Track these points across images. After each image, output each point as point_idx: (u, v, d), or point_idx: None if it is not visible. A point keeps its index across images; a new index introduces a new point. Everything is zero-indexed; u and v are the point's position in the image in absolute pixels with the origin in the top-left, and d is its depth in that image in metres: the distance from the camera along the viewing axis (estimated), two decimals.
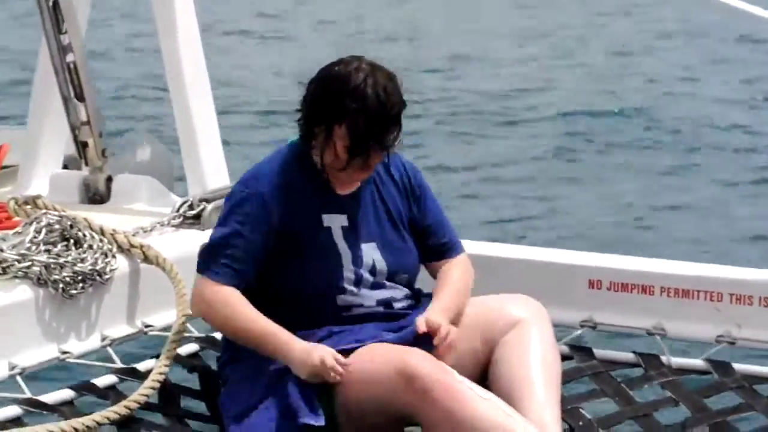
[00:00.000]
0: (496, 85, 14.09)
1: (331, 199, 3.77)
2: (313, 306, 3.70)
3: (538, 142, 11.95)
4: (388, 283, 3.80)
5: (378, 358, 3.52)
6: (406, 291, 3.84)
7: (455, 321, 3.71)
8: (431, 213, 3.92)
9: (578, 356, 4.21)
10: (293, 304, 3.70)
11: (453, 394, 3.39)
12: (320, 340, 3.60)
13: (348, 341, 3.61)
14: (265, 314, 3.63)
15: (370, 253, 3.78)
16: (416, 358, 3.47)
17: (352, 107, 3.61)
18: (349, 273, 3.73)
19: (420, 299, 3.86)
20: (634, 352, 4.22)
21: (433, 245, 3.91)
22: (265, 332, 3.60)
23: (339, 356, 3.51)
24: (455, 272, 3.88)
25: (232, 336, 3.70)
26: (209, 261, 3.72)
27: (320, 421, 3.48)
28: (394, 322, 3.74)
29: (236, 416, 3.63)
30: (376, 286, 3.77)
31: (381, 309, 3.76)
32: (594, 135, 12.15)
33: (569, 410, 3.84)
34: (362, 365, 3.52)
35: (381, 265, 3.78)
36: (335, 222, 3.77)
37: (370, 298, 3.76)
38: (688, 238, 9.14)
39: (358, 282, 3.74)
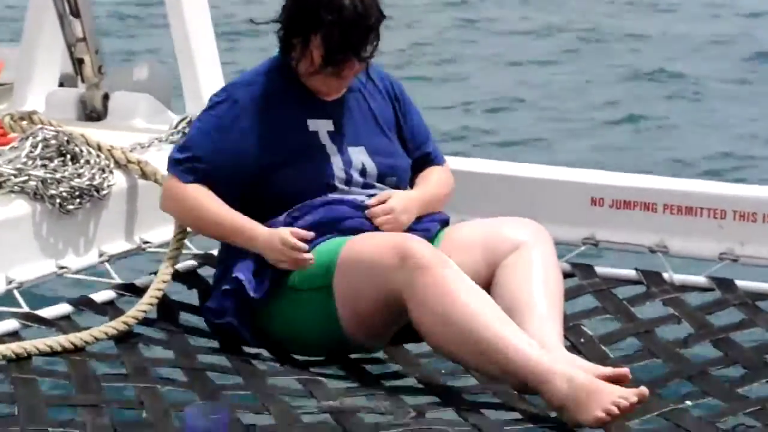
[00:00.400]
0: None
1: (316, 105, 3.83)
2: None
3: None
4: (378, 185, 3.84)
5: (379, 238, 3.59)
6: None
7: (427, 210, 3.83)
8: (414, 123, 4.00)
9: (580, 274, 4.21)
10: (288, 207, 3.72)
11: (446, 279, 3.41)
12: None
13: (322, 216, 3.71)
14: (262, 220, 3.68)
15: (359, 156, 3.83)
16: (415, 241, 3.52)
17: (327, 18, 3.66)
18: (339, 172, 3.79)
19: None
20: (636, 269, 4.22)
21: (416, 156, 3.97)
22: (233, 225, 3.70)
23: (300, 231, 3.60)
24: (433, 175, 3.97)
25: (201, 231, 3.83)
26: (177, 160, 3.80)
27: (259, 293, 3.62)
28: None
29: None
30: (366, 186, 3.82)
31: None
32: None
33: (571, 327, 3.83)
34: (363, 244, 3.58)
35: (371, 167, 3.83)
36: (321, 126, 3.82)
37: (359, 196, 3.79)
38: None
39: (348, 181, 3.80)
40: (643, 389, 3.16)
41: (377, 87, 3.95)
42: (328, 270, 3.60)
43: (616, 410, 3.11)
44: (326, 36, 3.65)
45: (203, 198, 3.73)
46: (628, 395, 3.13)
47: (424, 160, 4.00)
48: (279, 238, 3.58)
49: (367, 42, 3.69)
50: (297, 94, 3.82)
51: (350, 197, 3.77)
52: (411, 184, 3.95)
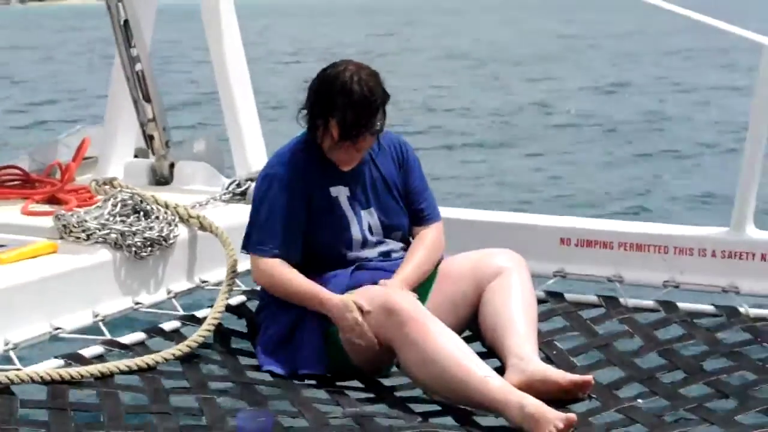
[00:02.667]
0: None
1: (336, 175, 3.79)
2: (328, 261, 3.74)
3: None
4: (386, 240, 3.83)
5: (372, 295, 3.55)
6: (401, 244, 3.87)
7: (413, 286, 3.70)
8: (415, 182, 3.92)
9: (552, 300, 4.23)
10: (314, 259, 3.72)
11: (423, 328, 3.38)
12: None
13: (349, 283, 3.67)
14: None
15: (368, 217, 3.80)
16: (399, 297, 3.50)
17: (340, 102, 3.63)
18: (356, 234, 3.77)
19: None
20: (597, 296, 4.23)
21: (413, 210, 3.91)
22: (308, 292, 3.62)
23: (363, 304, 3.52)
24: (423, 243, 3.85)
25: (284, 297, 3.69)
26: (251, 240, 3.75)
27: (322, 371, 3.58)
28: (391, 263, 3.79)
29: (263, 348, 3.70)
30: (377, 243, 3.81)
31: (381, 258, 3.80)
32: None
33: (545, 342, 3.83)
34: (359, 301, 3.54)
35: (377, 227, 3.81)
36: (340, 192, 3.79)
37: (372, 252, 3.79)
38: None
39: (364, 242, 3.78)
40: (571, 415, 3.10)
41: (387, 151, 3.89)
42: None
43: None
44: (341, 117, 3.64)
45: (279, 271, 3.67)
46: (560, 421, 3.07)
47: (419, 215, 3.91)
48: (351, 316, 3.51)
49: (376, 118, 3.68)
50: (322, 166, 3.77)
51: (367, 257, 3.76)
52: (412, 232, 3.91)
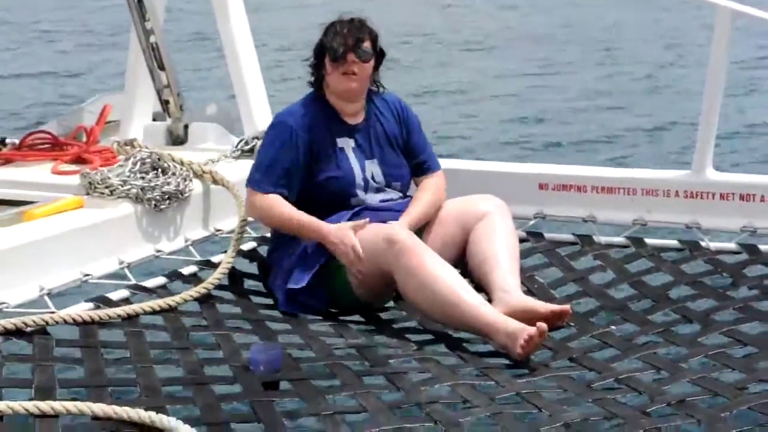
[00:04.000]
0: None
1: (342, 127, 3.78)
2: (333, 205, 3.71)
3: None
4: (387, 189, 3.80)
5: (375, 229, 3.55)
6: (400, 194, 3.85)
7: (419, 224, 3.70)
8: (415, 137, 3.91)
9: (533, 239, 4.21)
10: (320, 204, 3.70)
11: (420, 257, 3.40)
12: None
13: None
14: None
15: (372, 167, 3.79)
16: (399, 230, 3.51)
17: (329, 34, 3.69)
18: (359, 180, 3.75)
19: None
20: (573, 234, 4.21)
21: (415, 163, 3.89)
22: (302, 224, 3.62)
23: (358, 223, 3.55)
24: (428, 188, 3.84)
25: (278, 228, 3.72)
26: (253, 177, 3.75)
27: (302, 282, 3.56)
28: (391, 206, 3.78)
29: (278, 283, 3.69)
30: (378, 190, 3.79)
31: (382, 205, 3.77)
32: None
33: (528, 277, 3.83)
34: (364, 235, 3.54)
35: (379, 176, 3.79)
36: (347, 144, 3.77)
37: (373, 198, 3.77)
38: None
39: (366, 188, 3.76)
40: (541, 324, 3.14)
41: (389, 109, 3.88)
42: None
43: (525, 345, 3.11)
44: (330, 44, 3.66)
45: (282, 206, 3.66)
46: (530, 331, 3.12)
47: (421, 166, 3.90)
48: (349, 241, 3.51)
49: (362, 40, 3.66)
50: (329, 119, 3.77)
51: (369, 202, 3.74)
52: (416, 182, 3.90)
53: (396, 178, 3.84)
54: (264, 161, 3.75)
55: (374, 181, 3.78)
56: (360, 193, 3.74)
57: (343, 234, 3.54)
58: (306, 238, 3.63)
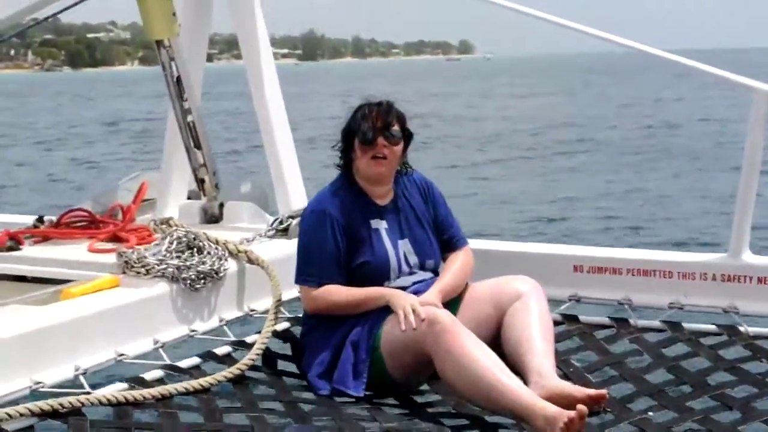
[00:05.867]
0: None
1: (374, 209, 3.82)
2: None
3: None
4: (419, 271, 3.82)
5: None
6: (431, 275, 3.86)
7: (448, 296, 3.73)
8: (442, 213, 3.95)
9: (567, 322, 4.20)
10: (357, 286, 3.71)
11: (460, 339, 3.39)
12: None
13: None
14: None
15: (405, 246, 3.81)
16: (441, 312, 3.50)
17: (358, 117, 3.74)
18: (394, 264, 3.77)
19: None
20: (609, 317, 4.20)
21: (443, 239, 3.92)
22: (365, 295, 3.66)
23: (427, 308, 3.52)
24: (456, 260, 3.88)
25: (341, 312, 3.69)
26: (302, 273, 3.77)
27: (359, 393, 3.54)
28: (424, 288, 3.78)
29: (312, 367, 3.69)
30: (411, 273, 3.81)
31: (415, 287, 3.78)
32: None
33: (563, 361, 3.81)
34: None
35: (413, 257, 3.82)
36: (380, 225, 3.80)
37: (407, 281, 3.79)
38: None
39: (399, 271, 3.78)
40: (581, 407, 3.10)
41: (416, 187, 3.93)
42: (377, 336, 3.63)
43: (565, 429, 3.08)
44: (359, 128, 3.72)
45: (339, 291, 3.68)
46: (570, 414, 3.08)
47: (450, 242, 3.94)
48: (411, 300, 3.56)
49: (391, 123, 3.73)
50: (361, 202, 3.79)
51: (401, 284, 3.75)
52: (443, 258, 3.91)
53: (428, 256, 3.86)
54: (308, 255, 3.76)
55: (407, 262, 3.80)
56: (393, 276, 3.76)
57: (408, 296, 3.60)
58: (371, 307, 3.65)
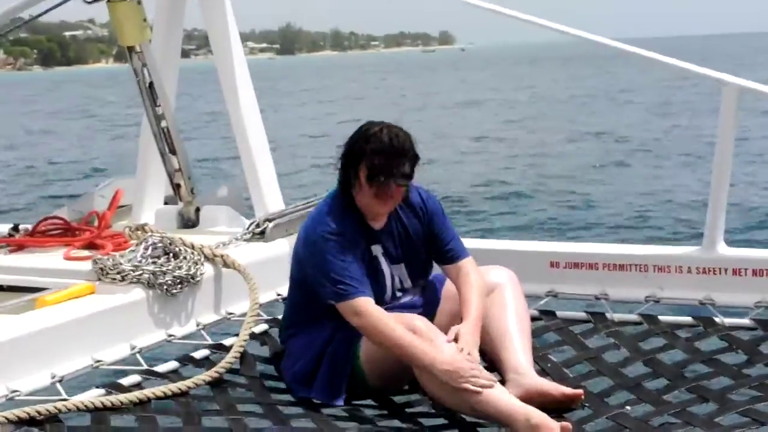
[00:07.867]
0: None
1: (371, 234, 3.67)
2: None
3: None
4: (411, 290, 3.76)
5: (404, 320, 3.46)
6: (420, 291, 3.80)
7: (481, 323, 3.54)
8: (439, 226, 3.77)
9: (545, 318, 4.21)
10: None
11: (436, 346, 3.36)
12: None
13: None
14: (328, 317, 3.57)
15: (398, 271, 3.72)
16: (418, 320, 3.45)
17: (369, 148, 3.51)
18: (389, 291, 3.69)
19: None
20: (585, 312, 4.22)
21: (442, 251, 3.77)
22: (418, 349, 3.36)
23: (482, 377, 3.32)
24: (471, 284, 3.64)
25: (386, 345, 3.42)
26: (332, 293, 3.50)
27: (339, 403, 3.50)
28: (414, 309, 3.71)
29: (293, 374, 3.67)
30: (404, 293, 3.74)
31: (404, 302, 3.72)
32: None
33: (540, 356, 3.82)
34: None
35: (406, 280, 3.73)
36: (378, 251, 3.68)
37: (396, 302, 3.71)
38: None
39: (393, 296, 3.71)
40: (565, 424, 3.07)
41: (411, 204, 3.73)
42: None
43: None
44: (370, 161, 3.50)
45: (387, 322, 3.40)
46: (558, 428, 3.05)
47: (450, 254, 3.74)
48: (467, 366, 3.30)
49: (403, 168, 3.51)
50: (360, 228, 3.63)
51: (392, 305, 3.64)
52: (444, 271, 3.76)
53: (421, 276, 3.79)
54: (329, 274, 3.50)
55: (402, 286, 3.72)
56: (386, 301, 3.66)
57: (461, 363, 3.33)
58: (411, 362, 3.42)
